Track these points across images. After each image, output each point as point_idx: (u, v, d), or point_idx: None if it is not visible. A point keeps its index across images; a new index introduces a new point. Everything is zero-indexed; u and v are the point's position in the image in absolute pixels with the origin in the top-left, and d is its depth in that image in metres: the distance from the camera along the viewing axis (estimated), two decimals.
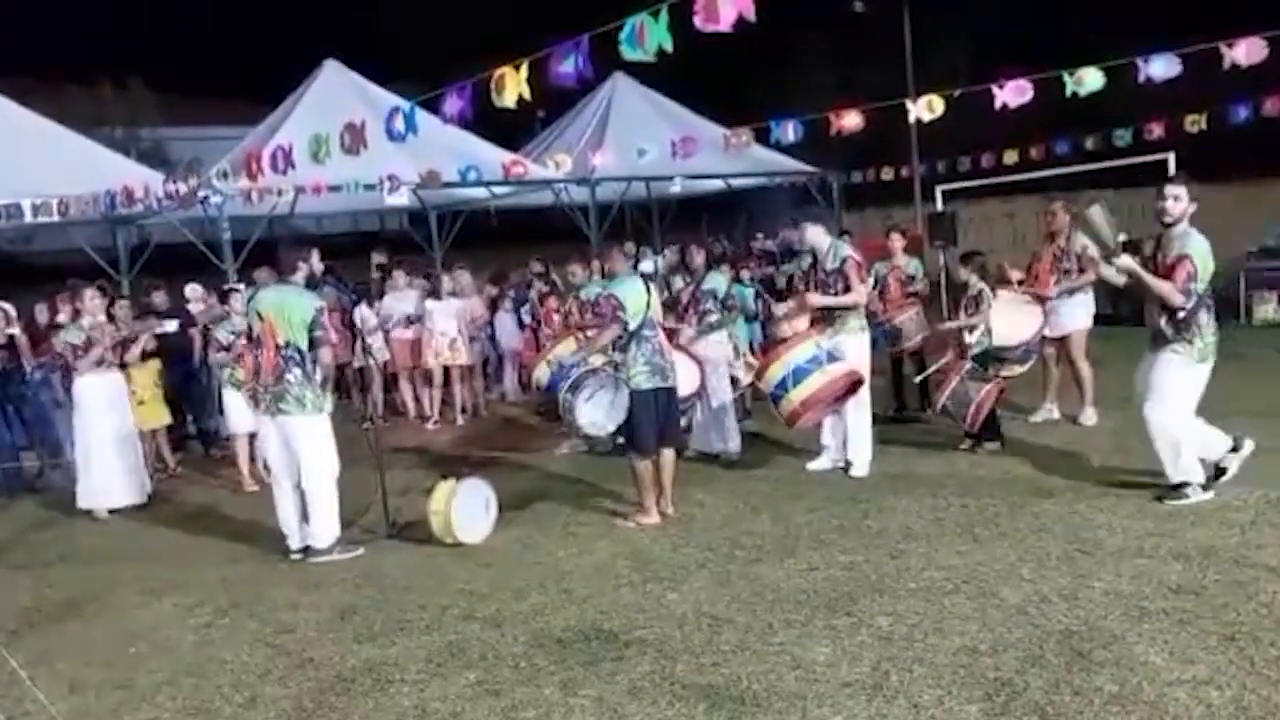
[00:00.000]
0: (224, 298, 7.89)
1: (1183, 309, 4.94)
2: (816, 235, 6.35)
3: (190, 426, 8.94)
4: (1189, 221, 5.04)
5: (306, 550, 5.51)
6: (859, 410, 6.24)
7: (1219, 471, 5.27)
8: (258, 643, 4.32)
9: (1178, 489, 5.12)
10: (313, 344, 5.36)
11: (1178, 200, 4.96)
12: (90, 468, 6.90)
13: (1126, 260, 5.08)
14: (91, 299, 7.10)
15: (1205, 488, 5.14)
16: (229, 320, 7.48)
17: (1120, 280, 5.26)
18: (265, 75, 16.36)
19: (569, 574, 4.86)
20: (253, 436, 7.18)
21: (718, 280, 7.06)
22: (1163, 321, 5.06)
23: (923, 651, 3.66)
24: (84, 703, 3.85)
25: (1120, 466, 5.88)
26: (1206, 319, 5.01)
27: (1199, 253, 4.96)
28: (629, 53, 5.35)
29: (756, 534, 5.24)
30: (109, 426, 6.97)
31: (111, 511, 6.93)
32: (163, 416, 8.04)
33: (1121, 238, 5.24)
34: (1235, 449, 5.27)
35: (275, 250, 5.91)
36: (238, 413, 7.27)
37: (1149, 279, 5.02)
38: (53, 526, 6.88)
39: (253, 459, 7.45)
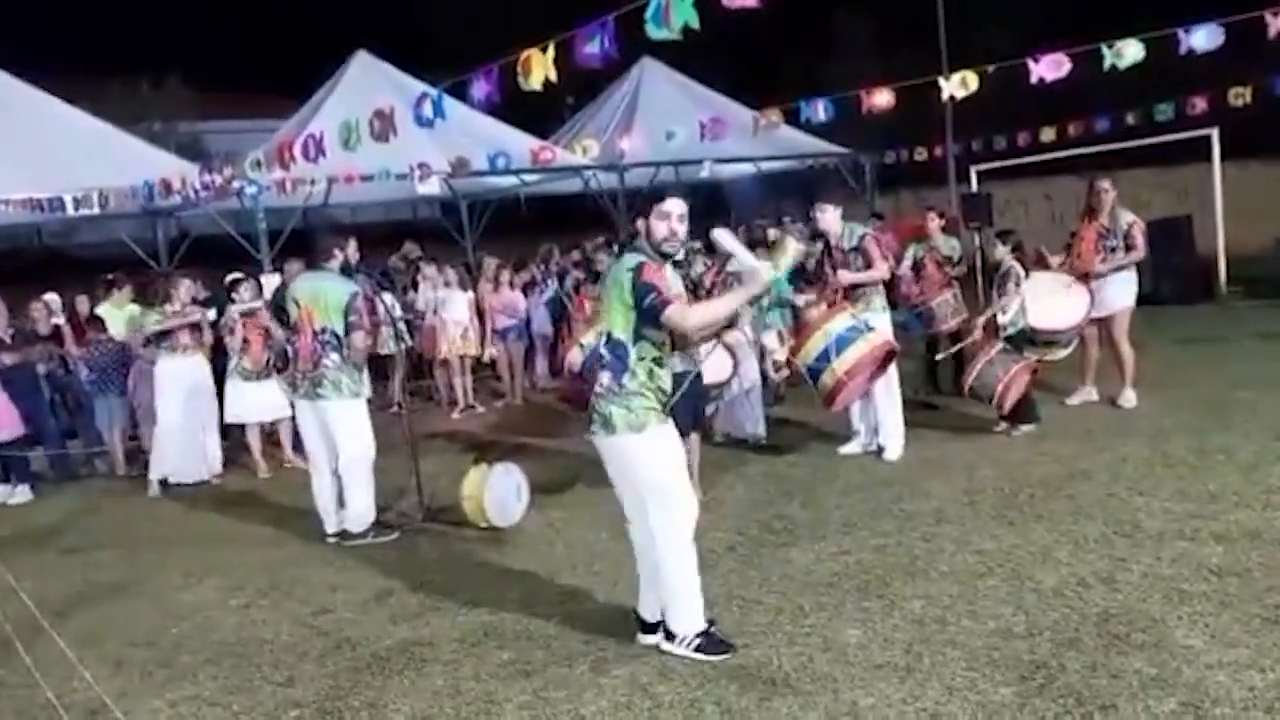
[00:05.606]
0: (230, 288, 7.81)
1: (606, 369, 3.56)
2: (832, 218, 6.29)
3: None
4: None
5: (343, 534, 5.59)
6: (888, 392, 6.19)
7: (647, 627, 3.80)
8: (296, 624, 4.40)
9: (672, 638, 3.71)
10: (348, 329, 5.43)
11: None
12: (162, 443, 7.32)
13: None
14: (185, 288, 7.52)
15: (648, 630, 3.79)
16: (239, 306, 7.60)
17: None
18: (299, 70, 16.51)
19: (599, 556, 4.88)
20: (287, 422, 7.35)
21: None
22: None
23: (956, 634, 3.62)
24: (128, 681, 3.95)
25: (1160, 449, 5.77)
26: (645, 374, 3.54)
27: (617, 281, 3.55)
28: (655, 31, 5.31)
29: (787, 517, 5.22)
30: (183, 408, 7.30)
31: (179, 485, 7.33)
32: None
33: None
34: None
35: (311, 240, 5.96)
36: (245, 401, 7.47)
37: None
38: (99, 512, 7.06)
39: (277, 443, 7.63)
